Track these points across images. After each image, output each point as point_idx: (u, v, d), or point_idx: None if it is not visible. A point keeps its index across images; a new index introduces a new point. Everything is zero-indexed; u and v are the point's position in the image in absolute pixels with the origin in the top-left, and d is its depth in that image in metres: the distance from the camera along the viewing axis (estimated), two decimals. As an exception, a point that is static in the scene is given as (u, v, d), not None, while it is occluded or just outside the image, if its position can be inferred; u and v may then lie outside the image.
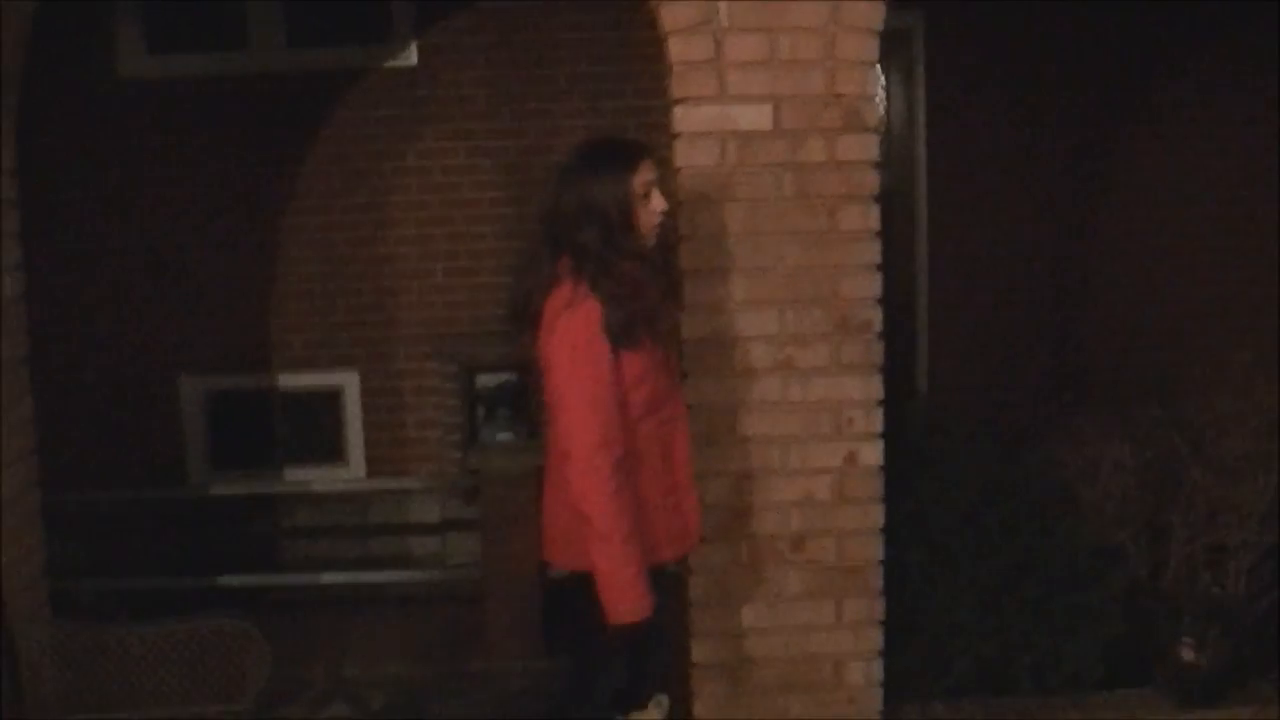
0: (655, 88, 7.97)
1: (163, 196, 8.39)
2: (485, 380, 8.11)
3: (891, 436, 5.29)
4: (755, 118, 5.05)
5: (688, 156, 5.06)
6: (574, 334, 4.17)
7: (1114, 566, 6.00)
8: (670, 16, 5.03)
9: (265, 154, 8.41)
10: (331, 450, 8.64)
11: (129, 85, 8.33)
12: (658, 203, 4.30)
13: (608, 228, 4.22)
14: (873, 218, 5.13)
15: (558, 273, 4.28)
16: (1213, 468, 6.09)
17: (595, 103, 8.36)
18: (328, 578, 7.98)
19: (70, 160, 8.25)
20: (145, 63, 8.36)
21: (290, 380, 8.54)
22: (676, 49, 5.04)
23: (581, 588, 4.26)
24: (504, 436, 7.34)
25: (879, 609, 5.32)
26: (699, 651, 5.30)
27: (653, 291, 4.31)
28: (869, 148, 5.12)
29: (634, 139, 4.55)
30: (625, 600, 4.18)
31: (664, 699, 4.70)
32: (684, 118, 5.06)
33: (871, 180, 5.13)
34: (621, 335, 4.17)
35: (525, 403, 7.92)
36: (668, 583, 4.50)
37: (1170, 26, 8.58)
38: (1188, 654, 5.85)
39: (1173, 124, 8.77)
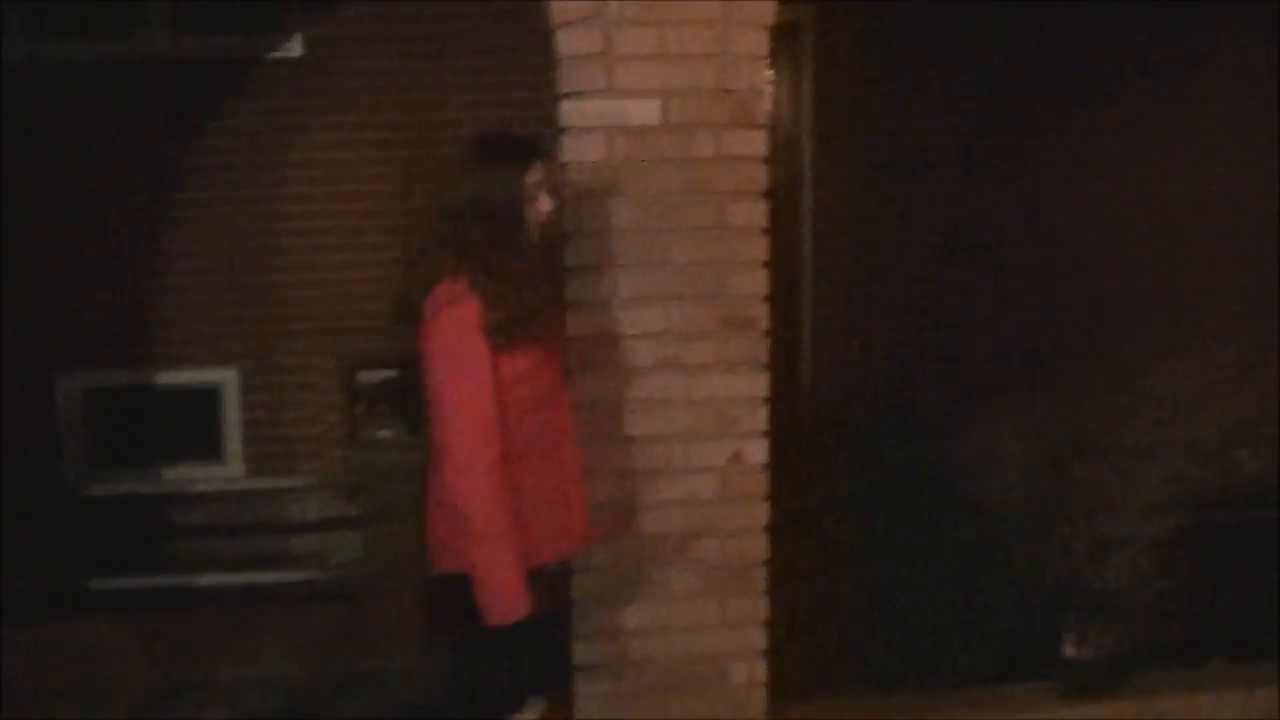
0: (545, 81, 8.03)
1: (41, 186, 8.22)
2: (367, 376, 8.03)
3: (779, 433, 5.25)
4: (644, 112, 4.96)
5: (575, 151, 4.96)
6: (451, 332, 4.12)
7: (1002, 560, 6.01)
8: (560, 9, 4.93)
9: (148, 144, 8.27)
10: (212, 448, 8.51)
11: (8, 70, 8.12)
12: (545, 203, 4.25)
13: (494, 225, 4.16)
14: (761, 214, 5.07)
15: (441, 268, 4.20)
16: (1101, 460, 6.10)
17: (484, 95, 8.30)
18: (207, 578, 7.84)
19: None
20: (26, 48, 8.19)
21: (170, 376, 8.40)
22: (565, 42, 4.95)
23: (464, 588, 4.18)
24: (385, 433, 7.29)
25: (764, 608, 5.25)
26: (581, 652, 5.21)
27: (534, 291, 4.25)
28: (758, 143, 5.05)
29: (529, 135, 4.46)
30: (503, 601, 4.13)
31: (539, 701, 4.64)
32: (572, 112, 4.97)
33: (760, 176, 5.07)
34: (499, 335, 4.12)
35: (407, 399, 7.85)
36: (549, 583, 4.42)
37: (1063, 16, 8.63)
38: (1070, 649, 5.86)
39: (1068, 111, 8.82)
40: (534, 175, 4.24)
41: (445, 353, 4.12)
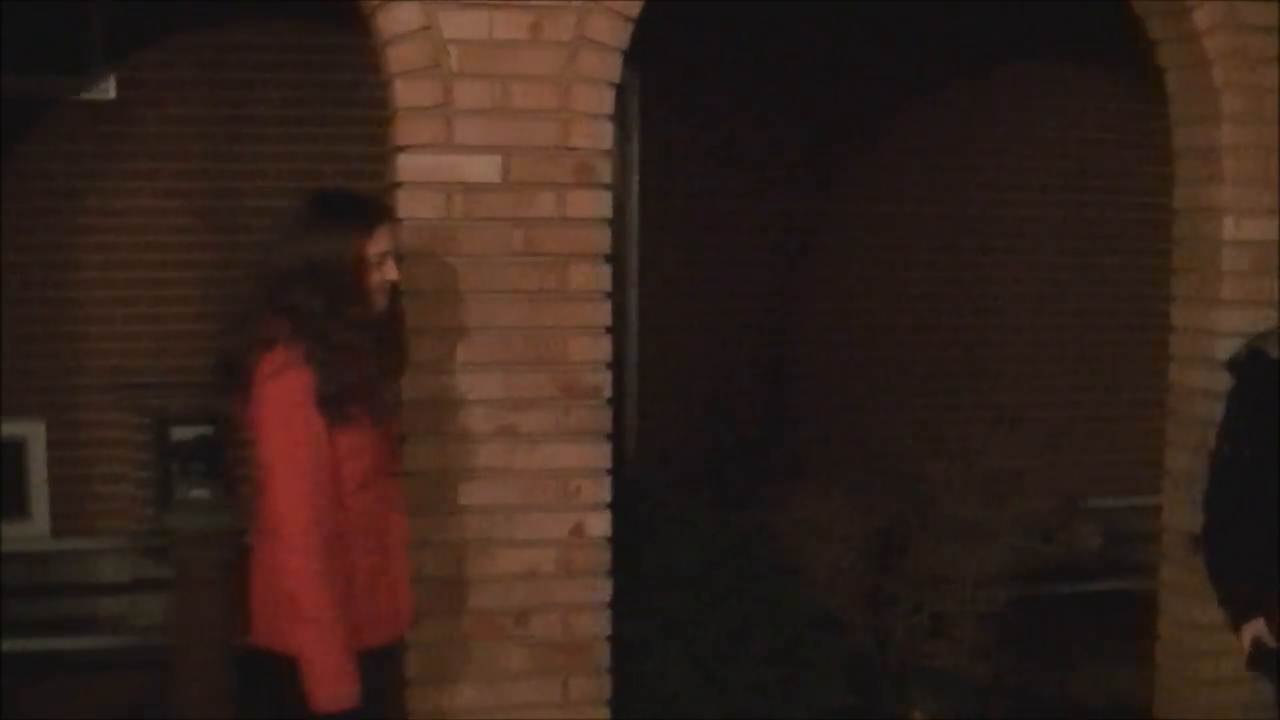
0: (359, 134, 7.84)
1: None
2: (181, 433, 7.76)
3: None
4: (483, 169, 4.80)
5: (410, 207, 4.78)
6: (283, 404, 3.86)
7: (836, 636, 5.91)
8: (396, 57, 4.76)
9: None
10: (14, 504, 8.11)
11: None
12: (390, 273, 4.02)
13: (330, 293, 3.92)
14: (603, 277, 4.93)
15: (271, 334, 3.95)
16: (933, 534, 6.07)
17: (295, 146, 8.09)
18: (8, 643, 7.46)
19: None
20: None
21: (10, 428, 8.01)
22: (402, 92, 4.77)
23: (286, 669, 3.94)
24: (199, 493, 7.05)
25: (606, 687, 5.09)
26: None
27: (370, 364, 4.02)
28: (602, 204, 4.92)
29: (374, 198, 4.23)
30: (330, 687, 3.89)
31: None
32: (407, 166, 4.79)
33: (603, 238, 4.93)
34: (333, 408, 3.87)
35: (221, 458, 7.59)
36: (377, 664, 4.18)
37: (876, 81, 8.67)
38: (917, 721, 5.80)
39: (889, 182, 8.86)
40: (378, 243, 4.00)
41: (276, 425, 3.87)
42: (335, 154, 7.92)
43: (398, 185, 4.81)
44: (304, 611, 3.86)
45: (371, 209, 4.08)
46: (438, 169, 4.79)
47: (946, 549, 5.99)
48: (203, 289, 8.00)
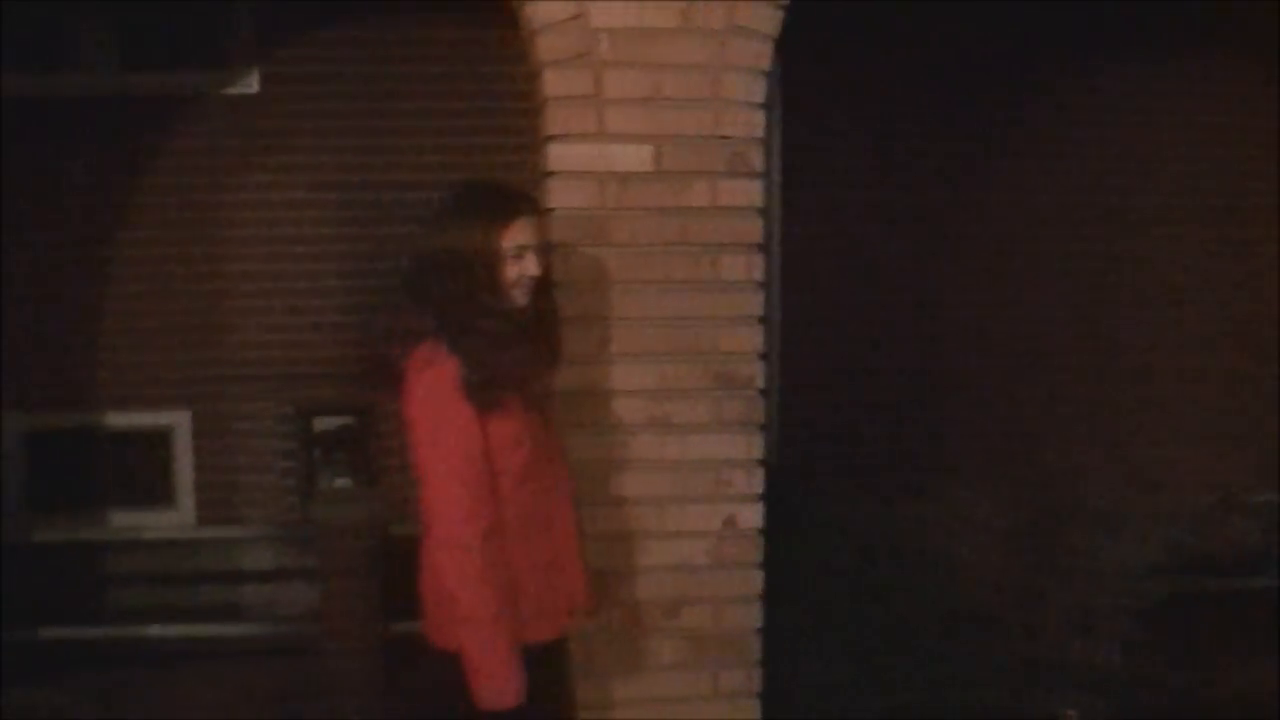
0: (507, 125, 7.85)
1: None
2: (324, 423, 7.80)
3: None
4: (635, 158, 4.77)
5: (562, 197, 4.76)
6: (432, 397, 3.83)
7: (989, 630, 5.83)
8: (546, 46, 4.73)
9: (97, 179, 8.01)
10: (160, 494, 8.22)
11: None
12: (529, 268, 3.97)
13: (470, 283, 3.89)
14: (756, 267, 4.87)
15: (417, 326, 3.93)
16: (1084, 528, 5.97)
17: (438, 139, 8.10)
18: (155, 630, 7.55)
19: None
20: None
21: (118, 419, 8.11)
22: (552, 82, 4.74)
23: (453, 665, 3.93)
24: (342, 482, 7.08)
25: (757, 679, 5.04)
26: None
27: (517, 352, 3.95)
28: (754, 193, 4.86)
29: (517, 190, 4.16)
30: (492, 686, 3.85)
31: None
32: (559, 156, 4.76)
33: (755, 227, 4.87)
34: (482, 397, 3.83)
35: (364, 448, 7.62)
36: (546, 658, 4.15)
37: (1021, 72, 8.55)
38: (1073, 720, 5.68)
39: (1035, 175, 8.72)
40: (516, 235, 3.94)
41: (426, 417, 3.84)
42: (478, 146, 7.93)
43: (549, 175, 4.78)
44: (463, 610, 3.83)
45: (510, 201, 4.01)
46: (589, 158, 4.76)
47: (1098, 543, 5.88)
48: (345, 280, 8.06)
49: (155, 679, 7.13)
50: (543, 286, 4.08)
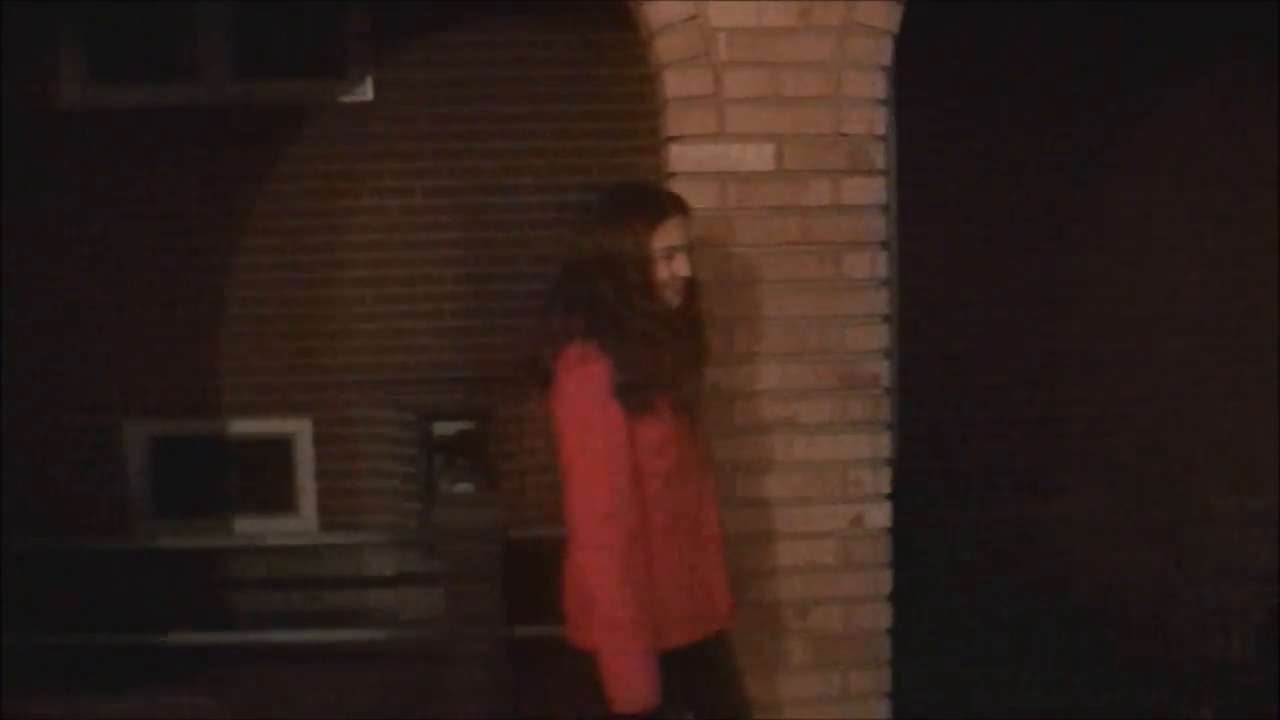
0: (617, 129, 7.84)
1: (105, 233, 8.07)
2: (443, 428, 7.84)
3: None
4: (756, 157, 4.75)
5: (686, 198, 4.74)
6: (580, 396, 3.85)
7: (1117, 629, 5.75)
8: (665, 47, 4.73)
9: (213, 189, 8.09)
10: (282, 500, 8.30)
11: (69, 115, 8.02)
12: (679, 268, 3.98)
13: (621, 284, 3.90)
14: (880, 264, 4.84)
15: (568, 328, 3.94)
16: (1216, 524, 5.87)
17: (555, 142, 8.09)
18: (278, 635, 7.61)
19: (5, 193, 7.87)
20: (87, 92, 8.04)
21: (240, 426, 8.19)
22: (672, 82, 4.74)
23: (592, 665, 3.93)
24: (463, 487, 7.09)
25: (887, 680, 5.00)
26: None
27: (670, 354, 3.96)
28: (876, 190, 4.83)
29: (666, 191, 4.20)
30: (627, 690, 3.86)
31: None
32: (679, 157, 4.75)
33: (879, 225, 4.84)
34: (632, 398, 3.83)
35: (485, 452, 7.64)
36: (686, 662, 4.14)
37: (1138, 64, 8.42)
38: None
39: (1152, 170, 8.59)
40: (664, 238, 3.95)
41: (573, 418, 3.86)
42: (594, 149, 7.94)
43: (670, 176, 4.78)
44: (601, 611, 3.84)
45: (659, 203, 4.03)
46: (711, 159, 4.75)
47: (1230, 541, 5.78)
48: (463, 285, 8.07)
49: (280, 683, 7.18)
50: (691, 288, 4.08)
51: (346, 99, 8.13)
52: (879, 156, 4.83)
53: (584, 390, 3.83)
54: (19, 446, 8.00)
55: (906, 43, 4.94)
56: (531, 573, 7.08)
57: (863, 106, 4.80)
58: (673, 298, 3.97)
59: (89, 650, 7.21)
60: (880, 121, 4.82)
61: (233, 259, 8.12)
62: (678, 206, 4.03)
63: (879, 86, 4.81)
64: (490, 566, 6.63)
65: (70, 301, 8.09)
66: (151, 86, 8.08)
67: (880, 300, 4.86)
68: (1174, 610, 5.87)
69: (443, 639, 6.83)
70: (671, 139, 4.78)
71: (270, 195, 8.08)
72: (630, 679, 3.85)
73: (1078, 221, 8.59)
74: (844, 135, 4.78)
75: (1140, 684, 5.70)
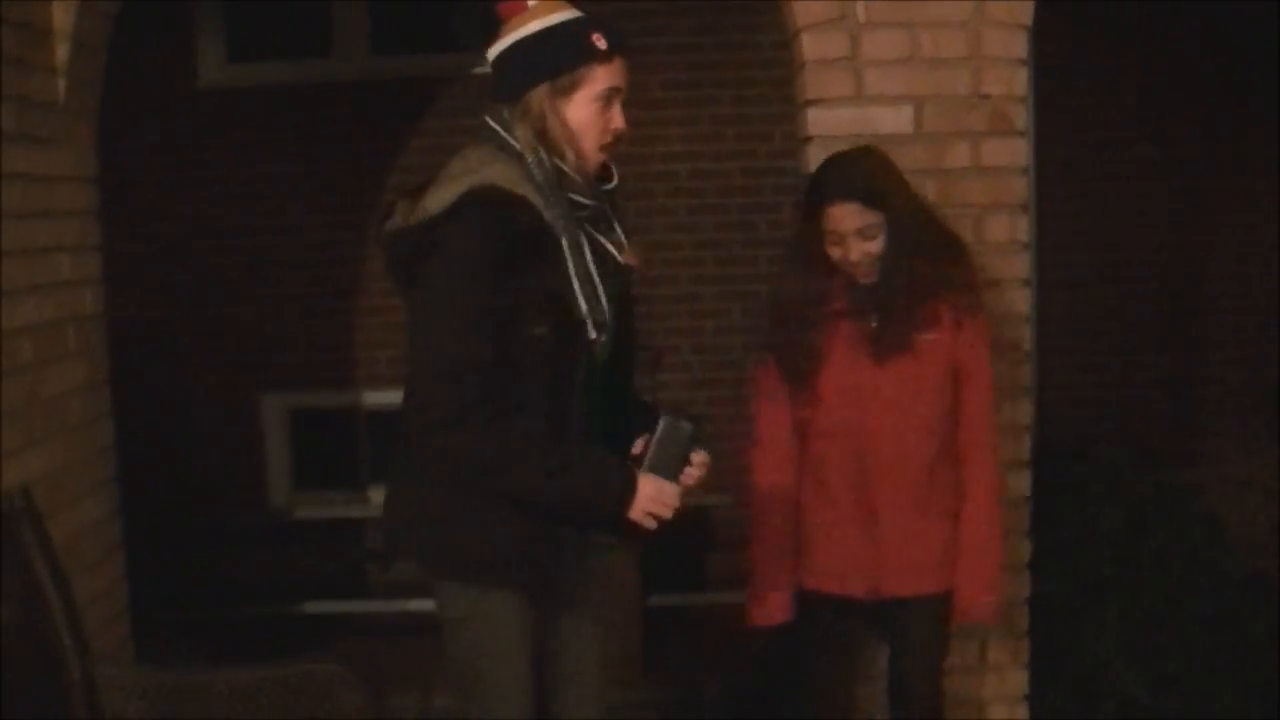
0: (756, 95, 7.78)
1: (243, 209, 8.15)
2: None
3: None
4: (895, 120, 4.69)
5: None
6: None
7: (1265, 600, 5.61)
8: (803, 11, 4.67)
9: (349, 164, 8.13)
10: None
11: (209, 94, 8.12)
12: (851, 249, 4.05)
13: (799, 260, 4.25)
14: (1021, 228, 4.77)
15: None
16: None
17: (695, 109, 8.05)
18: (415, 604, 7.65)
19: (146, 172, 7.98)
20: (226, 71, 8.14)
21: (375, 398, 8.22)
22: (810, 45, 4.68)
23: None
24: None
25: (1025, 651, 4.95)
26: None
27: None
28: (1017, 153, 4.75)
29: (840, 171, 4.13)
30: (752, 600, 4.38)
31: None
32: (818, 120, 4.70)
33: (1020, 188, 4.76)
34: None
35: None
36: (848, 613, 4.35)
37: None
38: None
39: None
40: (829, 220, 4.01)
41: None
42: (735, 116, 7.90)
43: (808, 140, 4.73)
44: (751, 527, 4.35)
45: (822, 184, 4.09)
46: (849, 122, 4.69)
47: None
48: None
49: (416, 650, 7.21)
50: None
51: (482, 70, 8.10)
52: (1020, 117, 4.75)
53: None
54: (163, 422, 8.09)
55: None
56: (668, 541, 7.08)
57: (1003, 66, 4.71)
58: (861, 274, 4.10)
59: (230, 622, 7.30)
60: (1021, 82, 4.74)
61: (369, 234, 8.15)
62: (834, 191, 4.05)
63: (1020, 45, 4.72)
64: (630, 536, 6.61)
65: (205, 277, 8.18)
66: (288, 65, 8.18)
67: (1021, 264, 4.78)
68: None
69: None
70: (809, 103, 4.72)
71: (406, 169, 8.10)
72: (755, 589, 4.34)
73: (1214, 176, 8.38)
74: (984, 96, 4.70)
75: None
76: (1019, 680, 4.98)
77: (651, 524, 3.42)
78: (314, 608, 7.53)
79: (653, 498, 3.40)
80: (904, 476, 4.13)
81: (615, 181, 3.65)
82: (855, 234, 3.98)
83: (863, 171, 4.03)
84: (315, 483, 8.40)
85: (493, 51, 3.57)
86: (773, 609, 4.31)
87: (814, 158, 4.65)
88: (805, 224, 4.10)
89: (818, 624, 4.36)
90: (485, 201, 3.34)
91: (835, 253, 4.02)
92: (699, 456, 3.50)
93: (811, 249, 4.06)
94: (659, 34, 8.02)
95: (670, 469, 3.43)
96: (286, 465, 8.40)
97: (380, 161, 8.07)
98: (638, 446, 3.52)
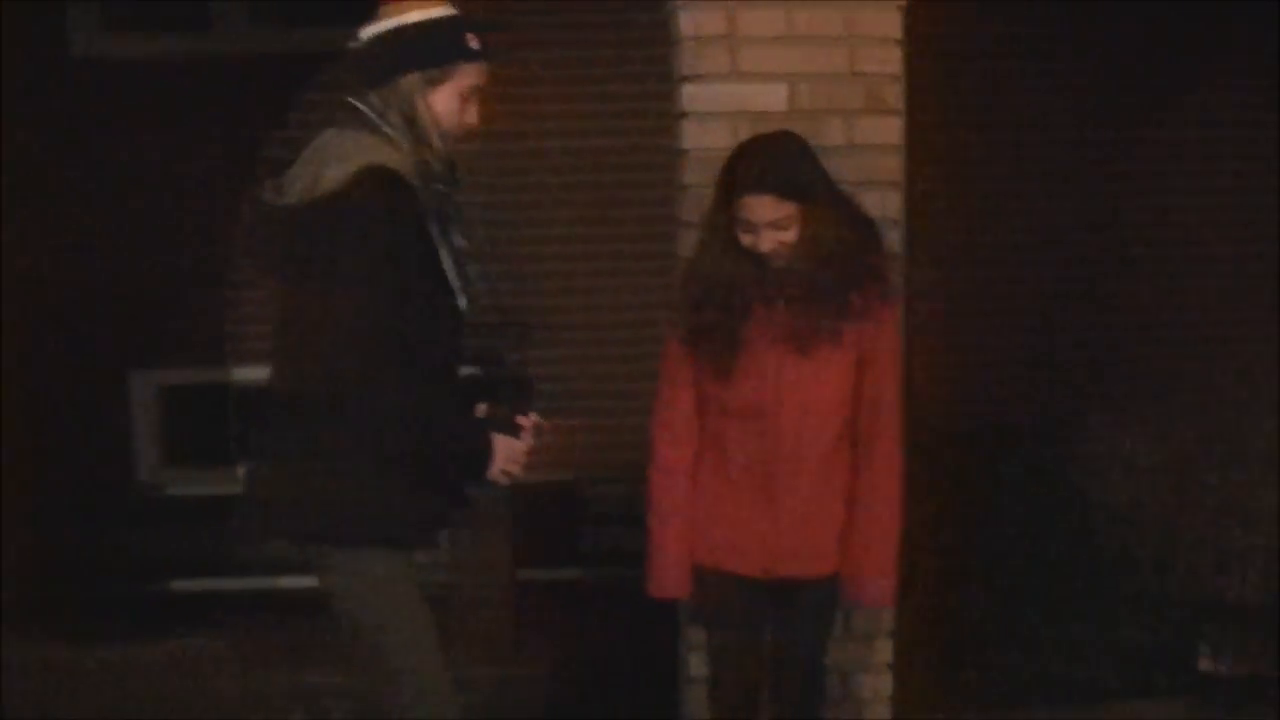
0: (631, 72, 7.81)
1: (113, 182, 8.06)
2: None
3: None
4: (770, 97, 4.76)
5: (697, 138, 4.77)
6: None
7: (1127, 570, 5.78)
8: (680, -14, 4.72)
9: (224, 139, 8.06)
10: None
11: (83, 65, 8.01)
12: (763, 239, 4.05)
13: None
14: (895, 205, 4.86)
15: None
16: (1223, 468, 5.89)
17: (570, 88, 8.07)
18: (286, 581, 7.63)
19: (16, 145, 7.87)
20: (101, 43, 8.03)
21: (247, 373, 8.17)
22: (686, 22, 4.75)
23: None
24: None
25: (890, 620, 5.03)
26: (695, 665, 5.00)
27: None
28: (891, 131, 4.84)
29: (755, 161, 4.11)
30: (650, 571, 4.38)
31: None
32: (693, 97, 4.77)
33: (894, 165, 4.87)
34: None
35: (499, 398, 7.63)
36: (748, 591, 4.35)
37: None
38: (1205, 663, 5.61)
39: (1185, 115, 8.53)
40: (743, 209, 4.03)
41: None
42: (611, 93, 7.95)
43: (682, 116, 4.79)
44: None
45: (735, 174, 4.10)
46: (724, 98, 4.76)
47: (1242, 481, 5.80)
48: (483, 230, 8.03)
49: (288, 627, 7.20)
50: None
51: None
52: (895, 96, 4.84)
53: None
54: (26, 399, 7.99)
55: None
56: (538, 517, 7.12)
57: (878, 45, 4.79)
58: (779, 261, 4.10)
59: (98, 599, 7.24)
60: (896, 60, 4.82)
61: (240, 208, 8.09)
62: (752, 182, 4.05)
63: (895, 25, 4.81)
64: (499, 511, 6.65)
65: (76, 251, 8.08)
66: (166, 37, 8.10)
67: (893, 240, 4.84)
68: (1179, 550, 5.88)
69: (451, 584, 6.85)
70: (684, 79, 4.78)
71: (283, 144, 8.03)
72: (651, 560, 4.35)
73: (1100, 158, 8.52)
74: (858, 74, 4.79)
75: (1145, 622, 5.74)
76: (885, 649, 5.07)
77: (505, 480, 3.68)
78: (184, 585, 7.47)
79: (508, 456, 3.64)
80: (806, 459, 4.18)
81: (458, 178, 3.82)
82: (769, 225, 3.99)
83: (778, 162, 4.05)
84: (186, 459, 8.32)
85: (368, 32, 3.62)
86: (670, 583, 4.34)
87: (689, 134, 4.75)
88: (719, 208, 4.10)
89: (709, 599, 4.38)
90: (386, 179, 3.49)
91: (747, 240, 4.03)
92: (530, 420, 3.71)
93: (727, 233, 4.07)
94: (536, 12, 8.04)
95: (514, 430, 3.67)
96: (156, 442, 8.32)
97: (258, 136, 8.01)
98: (480, 412, 3.72)
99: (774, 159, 4.06)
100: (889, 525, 4.28)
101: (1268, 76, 8.19)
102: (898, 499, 4.28)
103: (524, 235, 8.08)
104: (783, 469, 4.18)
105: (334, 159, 3.55)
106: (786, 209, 3.99)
